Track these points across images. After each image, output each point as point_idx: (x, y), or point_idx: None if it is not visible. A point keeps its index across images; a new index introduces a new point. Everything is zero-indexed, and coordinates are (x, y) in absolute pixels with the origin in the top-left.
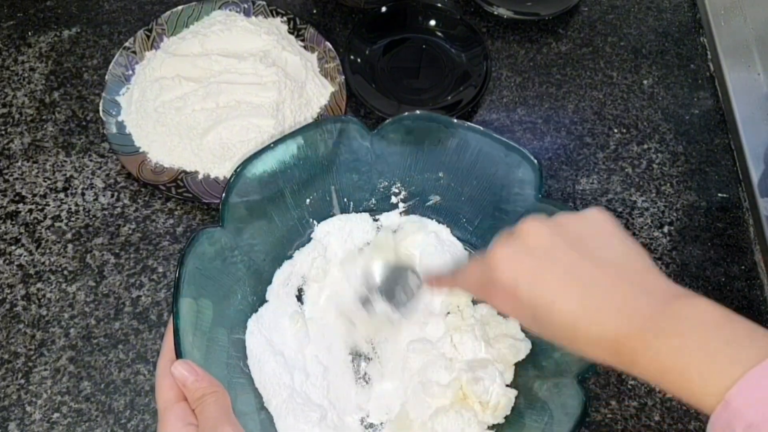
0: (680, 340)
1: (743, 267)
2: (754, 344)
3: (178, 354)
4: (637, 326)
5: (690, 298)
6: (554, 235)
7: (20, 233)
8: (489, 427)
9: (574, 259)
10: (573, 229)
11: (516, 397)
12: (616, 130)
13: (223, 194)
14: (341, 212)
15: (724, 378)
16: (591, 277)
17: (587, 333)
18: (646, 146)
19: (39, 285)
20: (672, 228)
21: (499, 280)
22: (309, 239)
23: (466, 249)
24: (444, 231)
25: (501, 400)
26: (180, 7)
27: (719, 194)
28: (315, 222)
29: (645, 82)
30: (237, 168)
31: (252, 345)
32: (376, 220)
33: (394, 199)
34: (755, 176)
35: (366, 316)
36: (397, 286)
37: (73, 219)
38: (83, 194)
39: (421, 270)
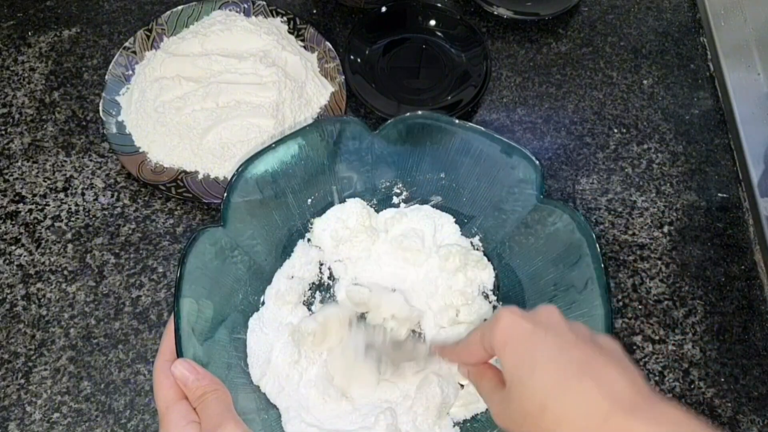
0: (667, 429)
1: (743, 267)
2: None
3: (179, 354)
4: (622, 407)
5: (672, 401)
6: (566, 323)
7: (20, 233)
8: (490, 426)
9: (574, 342)
10: (585, 333)
11: None
12: (616, 130)
13: (225, 194)
14: None
15: None
16: (585, 356)
17: (562, 408)
18: (646, 146)
19: (39, 285)
20: (672, 228)
21: (495, 336)
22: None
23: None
24: (437, 213)
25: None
26: (180, 7)
27: (719, 194)
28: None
29: (645, 82)
30: (238, 168)
31: (253, 344)
32: None
33: (395, 200)
34: (755, 176)
35: (362, 361)
36: (402, 352)
37: (73, 219)
38: (83, 194)
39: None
